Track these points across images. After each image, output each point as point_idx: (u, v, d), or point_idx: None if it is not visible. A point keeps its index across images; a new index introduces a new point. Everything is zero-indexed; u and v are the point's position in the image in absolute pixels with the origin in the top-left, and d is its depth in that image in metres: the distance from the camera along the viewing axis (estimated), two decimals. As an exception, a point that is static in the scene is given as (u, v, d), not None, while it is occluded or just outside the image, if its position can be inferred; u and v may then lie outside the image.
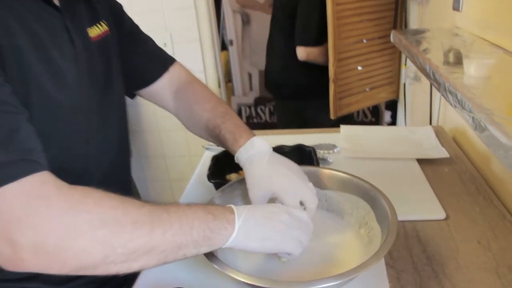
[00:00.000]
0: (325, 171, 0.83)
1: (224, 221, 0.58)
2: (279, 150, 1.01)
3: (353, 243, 0.74)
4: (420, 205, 0.89)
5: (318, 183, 0.82)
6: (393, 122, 2.42)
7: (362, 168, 1.05)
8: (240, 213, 0.60)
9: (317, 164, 0.95)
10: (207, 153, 1.20)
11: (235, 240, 0.59)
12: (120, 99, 0.81)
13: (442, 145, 1.14)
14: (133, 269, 0.52)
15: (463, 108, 0.67)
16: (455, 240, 0.79)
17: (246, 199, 0.76)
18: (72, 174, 0.54)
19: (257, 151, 0.73)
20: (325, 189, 0.82)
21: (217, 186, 0.92)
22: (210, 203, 0.75)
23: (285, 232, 0.62)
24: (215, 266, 0.60)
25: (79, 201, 0.50)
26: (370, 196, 0.75)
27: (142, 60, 0.85)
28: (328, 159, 1.07)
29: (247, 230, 0.59)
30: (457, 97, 0.70)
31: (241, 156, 0.75)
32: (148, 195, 2.41)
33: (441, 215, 0.85)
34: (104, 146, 0.74)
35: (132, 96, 0.89)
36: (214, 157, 1.00)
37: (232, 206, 0.62)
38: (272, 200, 0.72)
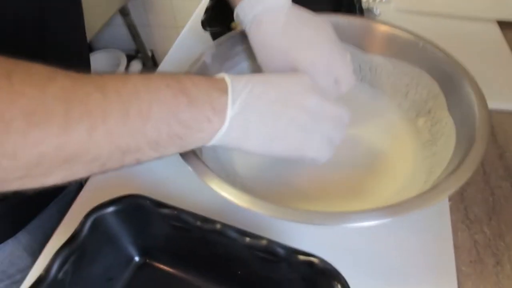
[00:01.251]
0: (374, 26, 0.54)
1: (207, 107, 0.33)
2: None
3: (405, 140, 0.49)
4: (498, 87, 0.62)
5: (361, 42, 0.55)
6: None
7: (419, 29, 0.75)
8: (238, 92, 0.35)
9: (361, 15, 0.66)
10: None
11: (224, 138, 0.35)
12: None
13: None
14: (49, 183, 0.29)
15: None
16: (548, 145, 0.55)
17: (254, 60, 0.50)
18: None
19: (269, 5, 0.45)
20: (370, 52, 0.55)
21: (216, 37, 0.65)
22: (198, 64, 0.50)
23: (310, 127, 0.37)
24: (191, 169, 0.37)
25: None
26: (443, 70, 0.48)
27: None
28: (374, 10, 0.77)
29: (246, 123, 0.35)
30: None
31: (243, 13, 0.47)
32: (154, 44, 2.12)
33: (529, 105, 0.59)
34: None
35: None
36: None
37: (225, 76, 0.36)
38: None
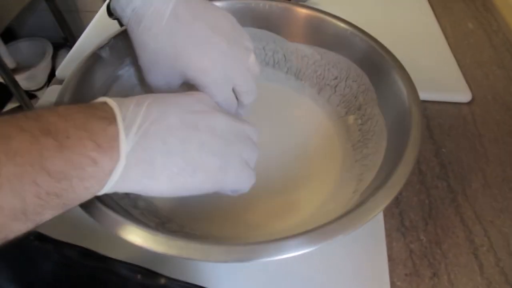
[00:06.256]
0: (298, 11, 0.48)
1: (88, 144, 0.25)
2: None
3: (334, 141, 0.44)
4: (434, 77, 0.58)
5: (285, 30, 0.49)
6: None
7: (351, 14, 0.71)
8: (131, 118, 0.27)
9: None
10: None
11: (121, 182, 0.27)
12: None
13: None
14: None
15: None
16: (483, 140, 0.52)
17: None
18: None
19: None
20: (295, 41, 0.49)
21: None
22: (91, 59, 0.42)
23: (225, 152, 0.30)
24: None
25: None
26: (372, 61, 0.43)
27: None
28: (304, -7, 0.71)
29: (149, 157, 0.27)
30: None
31: (120, 7, 0.36)
32: (82, 29, 1.96)
33: (465, 96, 0.56)
34: None
35: None
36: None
37: (108, 99, 0.28)
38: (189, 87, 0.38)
